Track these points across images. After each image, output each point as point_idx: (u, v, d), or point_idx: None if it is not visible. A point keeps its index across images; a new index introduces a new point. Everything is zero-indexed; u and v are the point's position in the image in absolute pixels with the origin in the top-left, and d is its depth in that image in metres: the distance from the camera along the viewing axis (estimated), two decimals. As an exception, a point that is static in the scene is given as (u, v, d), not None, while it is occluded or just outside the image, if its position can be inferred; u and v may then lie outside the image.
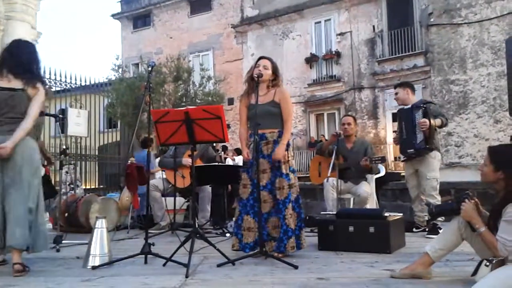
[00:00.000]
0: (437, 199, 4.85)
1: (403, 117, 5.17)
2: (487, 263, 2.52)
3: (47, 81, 9.76)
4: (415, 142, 4.93)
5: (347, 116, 5.80)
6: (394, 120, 16.41)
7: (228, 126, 4.40)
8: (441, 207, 3.28)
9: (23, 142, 3.28)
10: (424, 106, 4.97)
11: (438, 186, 4.99)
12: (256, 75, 3.75)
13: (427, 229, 5.05)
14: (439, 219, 4.81)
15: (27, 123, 3.29)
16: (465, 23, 15.18)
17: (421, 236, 4.89)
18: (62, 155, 5.28)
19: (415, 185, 5.18)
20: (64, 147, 5.47)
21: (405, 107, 5.17)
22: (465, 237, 2.80)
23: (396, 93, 5.36)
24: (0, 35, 7.48)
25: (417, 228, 5.17)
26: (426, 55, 15.92)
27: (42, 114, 5.02)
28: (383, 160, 5.40)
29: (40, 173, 3.48)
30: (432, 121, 4.87)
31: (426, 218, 5.14)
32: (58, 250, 4.26)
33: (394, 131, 5.37)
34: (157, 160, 6.67)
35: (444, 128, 5.45)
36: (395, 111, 15.99)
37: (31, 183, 3.30)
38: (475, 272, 2.60)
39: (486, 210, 2.80)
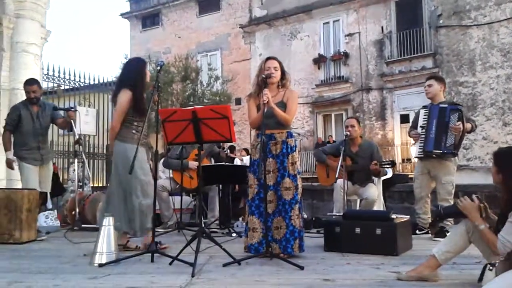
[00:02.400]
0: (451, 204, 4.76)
1: (435, 115, 4.88)
2: (491, 267, 2.51)
3: (56, 80, 9.82)
4: (445, 144, 4.77)
5: (351, 118, 5.73)
6: (402, 122, 16.35)
7: (234, 123, 4.43)
8: (449, 209, 3.27)
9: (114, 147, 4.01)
10: (461, 109, 4.80)
11: (453, 191, 4.89)
12: (264, 76, 3.74)
13: (429, 232, 5.02)
14: (447, 222, 4.79)
15: (110, 130, 4.03)
16: (474, 25, 15.10)
17: (428, 238, 4.87)
18: (77, 145, 5.42)
19: (423, 185, 5.10)
20: (77, 137, 5.61)
21: (441, 105, 4.92)
22: (473, 240, 2.78)
23: (430, 85, 5.07)
24: (10, 34, 7.53)
25: (420, 230, 5.10)
26: (435, 56, 15.85)
27: (56, 108, 5.30)
28: (392, 164, 5.25)
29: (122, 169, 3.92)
30: (465, 125, 4.75)
31: (429, 220, 5.12)
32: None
33: (421, 126, 5.10)
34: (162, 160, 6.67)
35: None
36: (403, 112, 16.19)
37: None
38: (481, 278, 2.59)
39: (495, 213, 2.78)
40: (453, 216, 3.29)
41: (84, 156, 6.04)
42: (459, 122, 4.73)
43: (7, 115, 5.27)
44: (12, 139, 5.16)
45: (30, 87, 5.18)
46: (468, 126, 4.86)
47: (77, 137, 5.66)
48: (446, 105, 4.91)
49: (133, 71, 4.09)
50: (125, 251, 3.88)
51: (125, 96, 3.91)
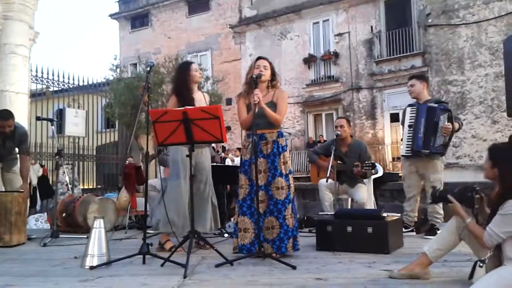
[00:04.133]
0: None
1: (424, 114, 4.86)
2: (481, 264, 2.54)
3: (45, 81, 9.75)
4: (433, 144, 4.76)
5: (340, 118, 5.78)
6: (392, 121, 16.43)
7: (229, 128, 4.50)
8: (445, 193, 3.26)
9: None
10: (450, 109, 4.79)
11: (442, 189, 4.93)
12: (255, 76, 3.74)
13: (414, 230, 5.05)
14: (437, 220, 4.83)
15: None
16: (463, 23, 15.20)
17: (419, 236, 4.90)
18: (57, 156, 5.31)
19: (412, 185, 5.11)
20: (58, 148, 5.50)
21: (429, 104, 4.91)
22: (463, 237, 2.80)
23: (412, 85, 5.08)
24: (-3, 35, 7.45)
25: (405, 228, 5.01)
26: (424, 55, 15.94)
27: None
28: (373, 166, 5.24)
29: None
30: (453, 125, 4.75)
31: (416, 219, 5.14)
32: (45, 245, 4.58)
33: (409, 125, 5.13)
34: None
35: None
36: (394, 111, 16.25)
37: None
38: (471, 275, 2.61)
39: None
40: (446, 200, 3.25)
41: (62, 162, 5.95)
42: (449, 123, 4.74)
43: None
44: None
45: (6, 122, 4.88)
46: (456, 125, 4.87)
47: (58, 147, 5.58)
48: (435, 105, 4.89)
49: (175, 78, 4.33)
50: (161, 251, 3.99)
51: (170, 102, 4.19)
